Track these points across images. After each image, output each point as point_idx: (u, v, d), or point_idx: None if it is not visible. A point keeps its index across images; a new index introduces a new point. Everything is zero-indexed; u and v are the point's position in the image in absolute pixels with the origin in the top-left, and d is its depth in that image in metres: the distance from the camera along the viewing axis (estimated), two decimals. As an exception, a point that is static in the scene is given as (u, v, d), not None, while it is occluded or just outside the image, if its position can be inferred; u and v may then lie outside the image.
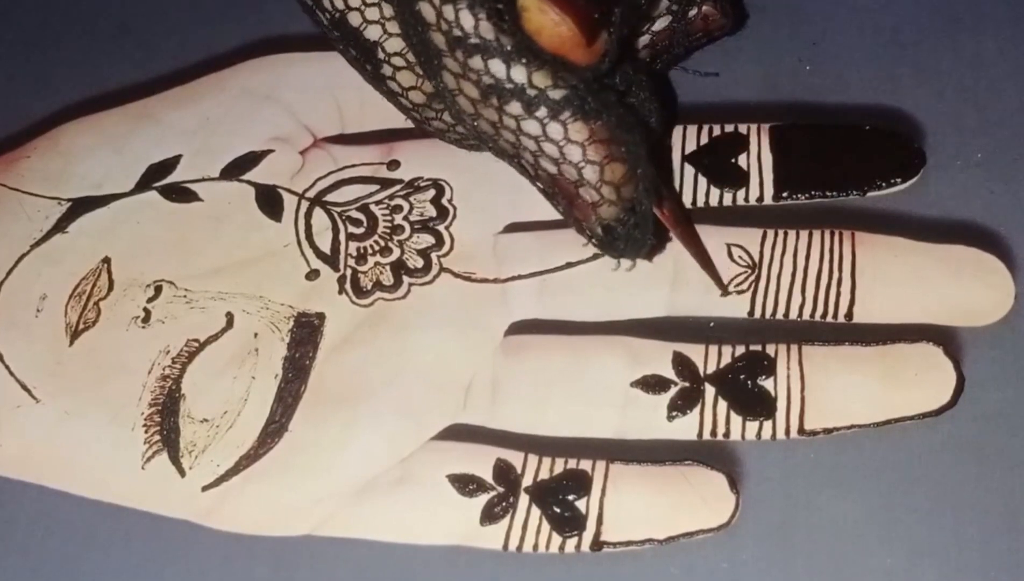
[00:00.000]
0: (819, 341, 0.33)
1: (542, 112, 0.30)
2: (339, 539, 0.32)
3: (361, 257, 0.36)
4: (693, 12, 0.35)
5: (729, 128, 0.37)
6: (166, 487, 0.33)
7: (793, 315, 0.34)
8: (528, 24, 0.29)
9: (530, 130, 0.31)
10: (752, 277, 0.34)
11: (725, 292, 0.34)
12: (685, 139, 0.37)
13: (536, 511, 0.32)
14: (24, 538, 0.34)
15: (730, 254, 0.34)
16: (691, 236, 0.34)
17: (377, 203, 0.37)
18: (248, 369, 0.34)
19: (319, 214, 0.37)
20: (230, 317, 0.35)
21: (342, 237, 0.36)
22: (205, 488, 0.33)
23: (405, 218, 0.36)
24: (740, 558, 0.31)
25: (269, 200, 0.37)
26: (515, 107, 0.31)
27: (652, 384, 0.33)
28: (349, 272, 0.36)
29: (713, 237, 0.35)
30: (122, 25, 0.43)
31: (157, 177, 0.38)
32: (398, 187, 0.37)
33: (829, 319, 0.33)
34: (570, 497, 0.32)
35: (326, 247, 0.36)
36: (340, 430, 0.33)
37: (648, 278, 0.34)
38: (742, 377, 0.33)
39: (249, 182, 0.37)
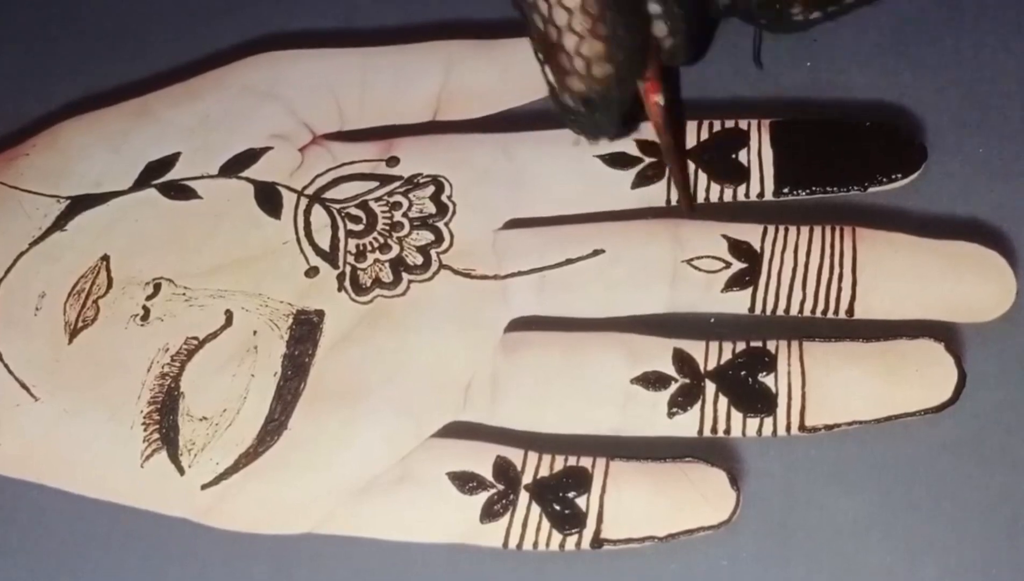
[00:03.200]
0: (820, 337, 0.33)
1: None
2: (339, 537, 0.32)
3: (360, 254, 0.36)
4: None
5: (729, 124, 0.37)
6: (165, 485, 0.33)
7: (794, 311, 0.34)
8: None
9: None
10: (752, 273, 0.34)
11: (691, 212, 0.34)
12: (685, 135, 0.37)
13: (536, 509, 0.32)
14: (24, 538, 0.34)
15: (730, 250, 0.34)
16: (672, 146, 0.33)
17: (376, 200, 0.37)
18: (247, 367, 0.34)
19: (318, 211, 0.37)
20: (229, 315, 0.35)
21: (341, 234, 0.36)
22: (204, 486, 0.33)
23: (404, 215, 0.36)
24: (740, 555, 0.31)
25: (268, 197, 0.37)
26: None
27: (652, 381, 0.33)
28: (348, 269, 0.36)
29: (713, 232, 0.35)
30: (122, 24, 0.43)
31: (156, 175, 0.38)
32: (397, 184, 0.37)
33: (830, 315, 0.33)
34: (570, 494, 0.32)
35: (325, 244, 0.36)
36: (339, 428, 0.33)
37: (648, 275, 0.34)
38: (743, 373, 0.33)
39: (248, 179, 0.37)
